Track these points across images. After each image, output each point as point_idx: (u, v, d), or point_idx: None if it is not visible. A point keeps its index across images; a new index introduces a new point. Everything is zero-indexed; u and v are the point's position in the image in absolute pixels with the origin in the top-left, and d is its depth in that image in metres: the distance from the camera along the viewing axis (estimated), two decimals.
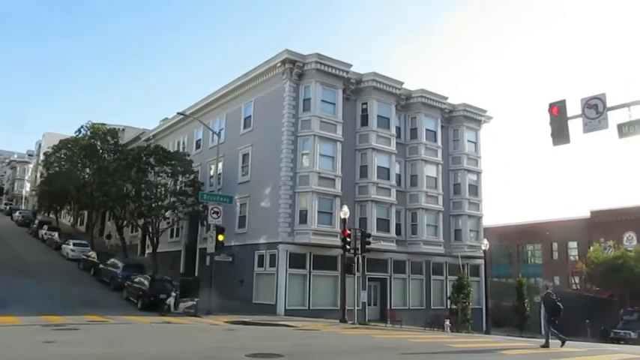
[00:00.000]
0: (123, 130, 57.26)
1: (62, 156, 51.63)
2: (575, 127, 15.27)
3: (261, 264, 32.50)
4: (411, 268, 36.99)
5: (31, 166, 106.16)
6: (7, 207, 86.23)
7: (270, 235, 31.85)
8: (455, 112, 40.29)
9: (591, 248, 51.00)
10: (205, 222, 32.56)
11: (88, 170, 49.80)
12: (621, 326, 38.92)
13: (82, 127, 51.71)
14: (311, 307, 30.89)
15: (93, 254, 40.14)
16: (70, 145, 51.04)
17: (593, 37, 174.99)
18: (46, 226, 55.78)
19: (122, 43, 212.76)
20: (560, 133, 15.43)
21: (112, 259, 36.48)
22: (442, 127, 39.50)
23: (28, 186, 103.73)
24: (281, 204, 31.60)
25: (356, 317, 26.56)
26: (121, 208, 40.65)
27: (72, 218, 68.14)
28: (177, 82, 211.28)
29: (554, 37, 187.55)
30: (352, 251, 26.38)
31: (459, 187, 39.86)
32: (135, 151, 40.42)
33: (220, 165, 36.81)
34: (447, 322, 30.79)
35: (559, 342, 17.76)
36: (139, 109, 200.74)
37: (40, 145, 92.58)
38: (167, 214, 37.48)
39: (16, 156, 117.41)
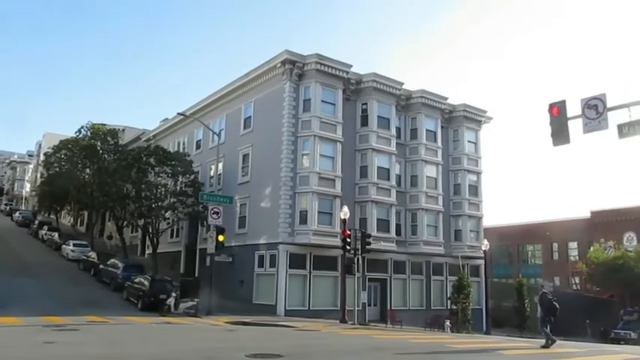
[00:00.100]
0: (123, 130, 57.27)
1: (62, 156, 51.66)
2: (575, 127, 15.29)
3: (261, 264, 32.50)
4: (411, 268, 36.99)
5: (31, 166, 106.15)
6: (7, 207, 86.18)
7: (270, 236, 31.85)
8: (455, 112, 40.30)
9: (591, 248, 50.97)
10: (205, 222, 32.58)
11: (88, 171, 49.83)
12: (621, 326, 38.90)
13: (82, 127, 51.81)
14: (311, 308, 30.89)
15: (93, 255, 40.16)
16: (70, 146, 51.06)
17: (593, 37, 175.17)
18: (46, 227, 55.80)
19: (122, 44, 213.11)
20: (560, 133, 15.43)
21: (112, 260, 36.50)
22: (442, 127, 39.52)
23: (28, 186, 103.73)
24: (281, 204, 31.61)
25: (356, 318, 26.55)
26: (121, 209, 40.66)
27: (72, 219, 68.15)
28: (177, 83, 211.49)
29: (554, 37, 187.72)
30: (352, 252, 26.37)
31: (459, 187, 39.86)
32: (135, 152, 40.44)
33: (220, 165, 36.83)
34: (447, 323, 30.78)
35: (547, 341, 17.77)
36: (139, 110, 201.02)
37: (40, 146, 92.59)
38: (167, 214, 37.50)
39: (16, 156, 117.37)
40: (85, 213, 62.51)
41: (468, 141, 40.68)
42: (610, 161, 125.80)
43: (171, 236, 42.33)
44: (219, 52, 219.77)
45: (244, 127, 36.77)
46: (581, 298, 50.46)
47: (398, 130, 37.13)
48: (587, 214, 58.24)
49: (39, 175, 74.29)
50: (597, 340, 35.85)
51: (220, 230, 27.63)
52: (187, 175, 38.20)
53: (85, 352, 12.68)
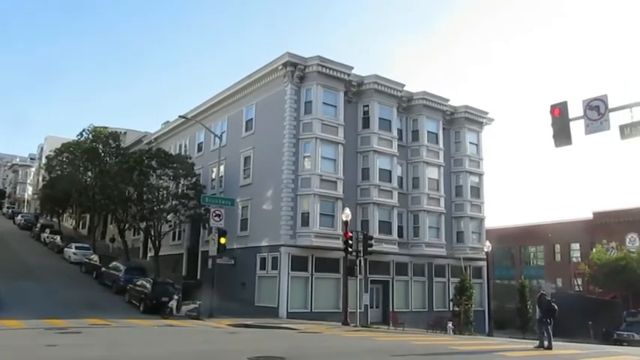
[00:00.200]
0: (124, 133, 57.35)
1: (64, 159, 51.71)
2: (577, 128, 15.27)
3: (263, 267, 32.49)
4: (414, 270, 36.93)
5: (33, 169, 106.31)
6: (10, 210, 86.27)
7: (272, 238, 31.84)
8: (456, 114, 40.28)
9: (594, 250, 50.79)
10: (207, 225, 32.63)
11: (90, 173, 49.89)
12: (624, 328, 38.73)
13: (83, 130, 51.85)
14: (313, 310, 30.87)
15: (95, 257, 40.17)
16: (72, 149, 51.12)
17: (593, 38, 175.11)
18: (48, 230, 55.86)
19: (123, 46, 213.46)
20: (562, 134, 15.41)
21: (114, 262, 36.51)
22: (444, 129, 39.50)
23: (30, 189, 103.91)
24: (283, 206, 31.60)
25: (358, 320, 26.54)
26: (123, 212, 40.67)
27: (74, 222, 68.22)
28: (178, 85, 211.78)
29: (554, 37, 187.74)
30: (354, 254, 26.37)
31: (461, 189, 39.81)
32: (137, 155, 40.46)
33: (222, 168, 36.86)
34: (450, 325, 30.71)
35: (537, 342, 17.78)
36: (141, 113, 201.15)
37: (42, 149, 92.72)
38: (169, 217, 37.50)
39: (18, 159, 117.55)
40: (87, 216, 62.55)
41: (470, 142, 40.65)
42: (612, 162, 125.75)
43: (173, 239, 42.33)
44: (220, 55, 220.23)
45: (246, 130, 36.79)
46: (584, 299, 50.31)
47: (399, 131, 37.13)
48: (589, 216, 58.08)
49: (41, 178, 74.38)
50: (599, 342, 35.76)
51: (222, 233, 27.67)
52: (189, 178, 38.20)
53: (87, 354, 12.68)
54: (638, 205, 53.55)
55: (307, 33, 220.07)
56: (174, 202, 37.00)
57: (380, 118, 35.24)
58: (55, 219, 64.69)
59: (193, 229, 40.62)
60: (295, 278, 31.18)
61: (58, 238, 51.10)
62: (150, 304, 27.76)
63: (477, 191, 40.45)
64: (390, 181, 35.03)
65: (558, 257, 61.99)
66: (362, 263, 27.00)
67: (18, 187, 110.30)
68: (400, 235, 35.66)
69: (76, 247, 44.98)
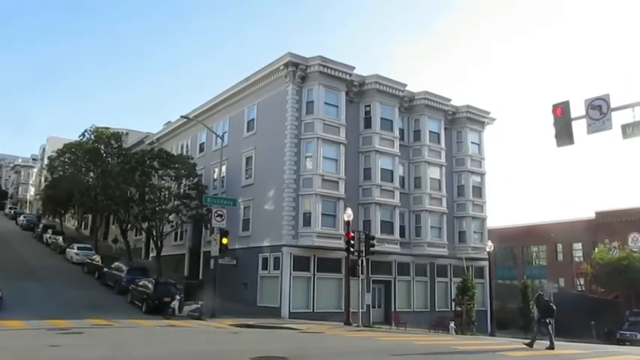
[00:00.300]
0: (126, 133, 57.38)
1: (66, 160, 51.81)
2: (579, 128, 15.24)
3: (265, 267, 32.49)
4: (416, 270, 36.91)
5: (35, 170, 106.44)
6: (12, 211, 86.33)
7: (274, 238, 31.84)
8: (458, 113, 40.24)
9: (596, 249, 50.70)
10: (209, 225, 32.62)
11: (92, 174, 49.95)
12: (627, 327, 38.68)
13: (85, 131, 52.01)
14: (315, 310, 30.87)
15: (97, 258, 40.21)
16: (74, 149, 51.22)
17: (594, 38, 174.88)
18: (50, 230, 55.92)
19: (124, 46, 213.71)
20: (564, 134, 15.37)
21: (117, 263, 36.55)
22: (445, 128, 39.47)
23: (32, 190, 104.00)
24: (284, 207, 31.60)
25: (360, 320, 26.51)
26: (125, 212, 40.72)
27: (76, 222, 68.29)
28: (179, 86, 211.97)
29: (554, 37, 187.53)
30: (356, 254, 26.35)
31: (463, 188, 39.77)
32: (138, 155, 40.49)
33: (224, 168, 36.85)
34: (452, 325, 30.69)
35: (529, 340, 17.78)
36: (143, 113, 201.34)
37: (44, 150, 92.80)
38: (171, 217, 37.53)
39: (20, 160, 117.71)
40: (89, 216, 62.64)
41: (472, 142, 40.59)
42: (614, 162, 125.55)
43: (175, 239, 42.37)
44: (220, 55, 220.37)
45: (247, 130, 36.80)
46: (586, 299, 50.26)
47: (401, 131, 37.11)
48: (591, 215, 58.01)
49: (43, 179, 74.54)
50: (602, 342, 35.71)
51: (224, 233, 27.68)
52: (191, 178, 38.23)
53: (90, 355, 12.70)
54: None
55: (307, 33, 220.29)
56: (176, 203, 37.02)
57: (382, 118, 35.21)
58: (57, 219, 64.76)
59: (195, 230, 40.64)
60: (297, 278, 31.18)
61: (60, 238, 51.15)
62: (152, 304, 27.78)
63: (478, 191, 40.40)
64: (392, 181, 35.01)
65: (561, 257, 61.93)
66: (364, 263, 26.97)
67: (20, 188, 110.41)
68: (402, 235, 35.62)
69: (78, 248, 45.03)
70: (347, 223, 27.30)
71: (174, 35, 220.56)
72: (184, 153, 43.33)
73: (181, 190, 37.80)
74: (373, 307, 32.83)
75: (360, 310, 26.89)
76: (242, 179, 36.40)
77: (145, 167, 37.36)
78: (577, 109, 15.25)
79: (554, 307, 18.06)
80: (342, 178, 32.69)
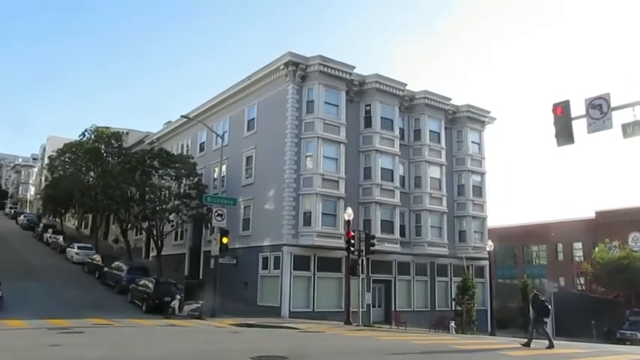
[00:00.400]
0: (127, 133, 57.39)
1: (66, 160, 51.83)
2: (579, 127, 15.23)
3: (265, 266, 32.50)
4: (416, 269, 36.91)
5: (35, 169, 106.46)
6: (12, 211, 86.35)
7: (274, 238, 31.84)
8: (458, 113, 40.23)
9: (596, 249, 50.71)
10: (209, 225, 32.62)
11: (92, 174, 49.97)
12: (627, 327, 38.71)
13: (86, 130, 52.03)
14: (315, 309, 30.87)
15: (97, 257, 40.24)
16: (74, 149, 51.24)
17: (594, 38, 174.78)
18: (50, 230, 55.94)
19: (124, 46, 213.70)
20: (564, 133, 15.36)
21: (117, 262, 36.57)
22: (446, 128, 39.46)
23: (32, 190, 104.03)
24: (285, 206, 31.60)
25: (360, 319, 26.49)
26: (126, 212, 40.73)
27: (76, 222, 68.30)
28: (179, 86, 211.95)
29: (554, 37, 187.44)
30: (356, 253, 26.33)
31: (463, 188, 39.76)
32: (139, 155, 40.49)
33: (224, 168, 36.87)
34: (452, 324, 30.68)
35: (526, 340, 17.78)
36: (141, 113, 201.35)
37: (44, 149, 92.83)
38: (171, 217, 37.53)
39: (20, 160, 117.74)
40: (90, 216, 62.64)
41: (472, 142, 40.57)
42: (615, 161, 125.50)
43: (176, 239, 42.38)
44: (220, 55, 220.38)
45: (248, 129, 36.80)
46: (586, 298, 50.25)
47: (401, 131, 37.10)
48: (591, 215, 58.01)
49: (43, 179, 74.54)
50: (602, 341, 35.69)
51: (224, 232, 27.68)
52: (191, 178, 38.23)
53: (90, 354, 12.70)
54: None
55: (307, 33, 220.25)
56: (176, 202, 37.03)
57: (382, 118, 35.20)
58: (57, 219, 64.78)
59: (195, 229, 40.65)
60: (297, 278, 31.18)
61: (60, 238, 51.17)
62: (152, 303, 27.79)
63: (479, 190, 40.40)
64: (392, 180, 35.00)
65: (561, 256, 61.92)
66: (364, 262, 26.93)
67: (20, 188, 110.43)
68: (402, 234, 35.62)
69: (79, 247, 45.05)
70: (347, 222, 27.28)
71: (174, 35, 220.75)
72: (184, 152, 43.34)
73: (182, 190, 37.81)
74: (373, 306, 32.82)
75: (361, 310, 26.86)
76: (242, 179, 36.40)
77: (145, 167, 37.36)
78: (577, 109, 15.26)
79: (550, 306, 18.09)
80: (343, 177, 32.69)
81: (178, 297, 27.37)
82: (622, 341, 35.38)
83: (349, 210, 27.71)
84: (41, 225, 60.70)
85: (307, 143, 32.45)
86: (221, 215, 28.23)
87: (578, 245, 60.29)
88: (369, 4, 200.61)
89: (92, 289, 34.08)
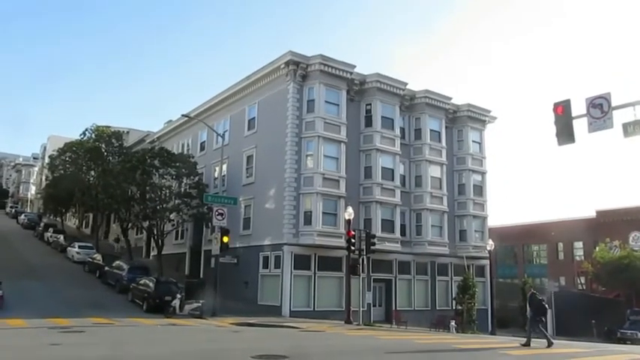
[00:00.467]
0: (127, 132, 57.40)
1: (67, 159, 51.85)
2: (580, 126, 15.23)
3: (265, 265, 32.50)
4: (416, 268, 36.91)
5: (36, 169, 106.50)
6: (13, 210, 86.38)
7: (275, 237, 31.84)
8: (459, 112, 40.22)
9: (597, 248, 50.73)
10: (210, 224, 32.62)
11: (92, 173, 50.00)
12: (628, 326, 38.72)
13: (86, 129, 52.11)
14: (316, 309, 30.87)
15: (98, 257, 40.26)
16: (74, 148, 51.26)
17: (594, 38, 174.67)
18: (51, 229, 55.94)
19: (124, 45, 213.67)
20: (565, 132, 15.35)
21: (117, 262, 36.59)
22: (446, 127, 39.44)
23: (33, 189, 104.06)
24: (285, 205, 31.60)
25: (361, 318, 26.50)
26: (126, 211, 40.73)
27: (77, 221, 68.31)
28: (179, 86, 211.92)
29: (554, 37, 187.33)
30: (357, 252, 26.33)
31: (464, 187, 39.75)
32: (139, 154, 40.49)
33: (225, 167, 36.86)
34: (453, 323, 30.70)
35: (526, 340, 17.78)
36: (143, 112, 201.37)
37: (45, 148, 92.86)
38: (172, 216, 37.54)
39: (21, 159, 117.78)
40: (90, 215, 62.69)
41: (473, 141, 40.55)
42: (615, 160, 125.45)
43: (176, 238, 42.39)
44: (221, 54, 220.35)
45: (248, 129, 36.80)
46: (587, 298, 50.25)
47: (402, 130, 37.08)
48: (592, 214, 58.00)
49: (44, 178, 74.57)
50: (602, 340, 35.68)
51: (225, 231, 27.67)
52: (192, 177, 38.23)
53: (91, 353, 12.70)
54: None
55: (307, 33, 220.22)
56: (176, 201, 37.03)
57: (382, 117, 35.19)
58: (58, 218, 64.81)
59: (196, 228, 40.66)
60: (298, 277, 31.18)
61: (61, 237, 51.19)
62: (153, 303, 27.79)
63: (479, 190, 40.38)
64: (393, 179, 34.99)
65: (561, 256, 61.89)
66: (364, 262, 26.95)
67: (21, 187, 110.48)
68: (403, 233, 35.61)
69: (79, 247, 45.07)
70: (348, 221, 27.27)
71: (175, 35, 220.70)
72: (185, 152, 43.33)
73: (182, 189, 37.81)
74: (374, 305, 32.82)
75: (361, 309, 26.89)
76: (243, 178, 36.41)
77: (145, 166, 37.36)
78: (578, 108, 15.25)
79: (547, 305, 18.13)
80: (343, 176, 32.69)
81: (179, 296, 27.38)
82: (622, 341, 35.39)
83: (350, 209, 27.70)
84: (42, 224, 60.74)
85: (308, 142, 32.45)
86: (222, 214, 28.22)
87: (578, 245, 60.27)
88: (369, 4, 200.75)
89: (93, 288, 34.10)
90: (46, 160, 70.38)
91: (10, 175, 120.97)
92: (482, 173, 40.92)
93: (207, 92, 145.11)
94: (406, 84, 36.32)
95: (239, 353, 12.92)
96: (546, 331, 18.18)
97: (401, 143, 36.17)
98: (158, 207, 37.04)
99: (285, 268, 30.88)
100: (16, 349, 13.14)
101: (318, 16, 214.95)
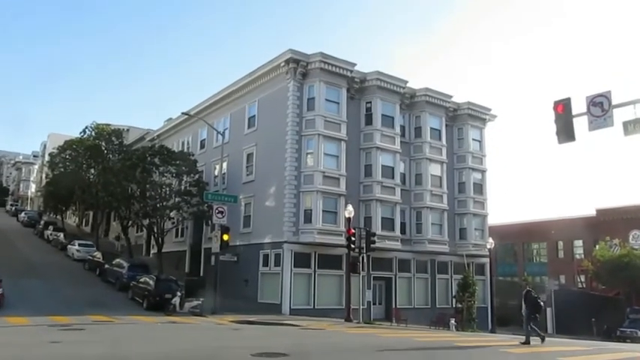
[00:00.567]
0: (127, 130, 57.38)
1: (67, 157, 51.80)
2: (580, 125, 15.21)
3: (266, 263, 32.51)
4: (416, 267, 36.93)
5: (36, 167, 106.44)
6: (13, 208, 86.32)
7: (275, 235, 31.85)
8: (459, 110, 40.20)
9: (597, 247, 50.74)
10: (210, 222, 32.62)
11: (92, 171, 49.98)
12: (627, 325, 38.75)
13: (86, 127, 52.05)
14: (316, 307, 30.89)
15: (98, 255, 40.26)
16: (74, 146, 51.23)
17: (593, 37, 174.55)
18: (51, 227, 55.95)
19: (124, 43, 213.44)
20: (565, 131, 15.34)
21: (118, 260, 36.58)
22: (446, 125, 39.41)
23: (33, 187, 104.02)
24: (285, 203, 31.60)
25: (361, 316, 26.52)
26: (126, 209, 40.73)
27: (77, 219, 68.34)
28: (179, 85, 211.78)
29: (554, 36, 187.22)
30: (357, 250, 26.35)
31: (464, 185, 39.75)
32: (139, 152, 40.49)
33: (225, 165, 36.85)
34: (453, 321, 30.71)
35: (525, 338, 17.79)
36: (143, 110, 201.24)
37: (45, 146, 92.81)
38: (172, 214, 37.55)
39: (21, 157, 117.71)
40: (90, 213, 62.69)
41: (473, 139, 40.53)
42: (616, 159, 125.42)
43: (176, 236, 42.40)
44: (222, 52, 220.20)
45: (248, 127, 36.78)
46: (587, 296, 50.28)
47: (402, 128, 37.06)
48: (592, 212, 57.97)
49: (44, 176, 74.52)
50: (602, 339, 35.70)
51: (225, 229, 27.67)
52: (192, 175, 38.24)
53: (91, 351, 12.71)
54: None
55: (307, 33, 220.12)
56: (177, 199, 37.04)
57: (383, 115, 35.16)
58: (58, 216, 64.79)
59: (196, 226, 40.67)
60: (298, 275, 31.20)
61: (61, 235, 51.16)
62: (153, 300, 27.79)
63: (479, 188, 40.38)
64: (393, 177, 34.98)
65: (561, 254, 61.89)
66: (365, 260, 26.98)
67: (21, 185, 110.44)
68: (403, 231, 35.61)
69: (80, 245, 45.05)
70: (348, 219, 27.27)
71: (175, 34, 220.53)
72: (185, 150, 43.28)
73: (182, 187, 37.82)
74: (374, 303, 32.81)
75: (361, 307, 26.90)
76: (243, 176, 36.40)
77: (145, 164, 37.36)
78: (578, 107, 15.24)
79: (542, 303, 18.18)
80: (343, 174, 32.68)
81: (179, 294, 27.37)
82: (622, 339, 35.42)
83: (350, 207, 27.70)
84: (42, 222, 60.75)
85: (308, 140, 32.44)
86: (222, 212, 28.23)
87: (578, 243, 60.27)
88: (369, 5, 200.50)
89: (93, 286, 34.11)
90: (46, 157, 70.33)
91: (11, 173, 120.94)
92: (483, 171, 40.91)
93: (208, 90, 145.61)
94: (406, 82, 36.29)
95: (239, 351, 12.93)
96: (538, 329, 18.18)
97: (401, 141, 36.16)
98: (158, 205, 37.04)
99: (285, 266, 30.90)
100: (17, 347, 13.14)
101: (317, 16, 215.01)
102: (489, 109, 41.59)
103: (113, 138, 50.91)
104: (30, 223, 65.49)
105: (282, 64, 33.08)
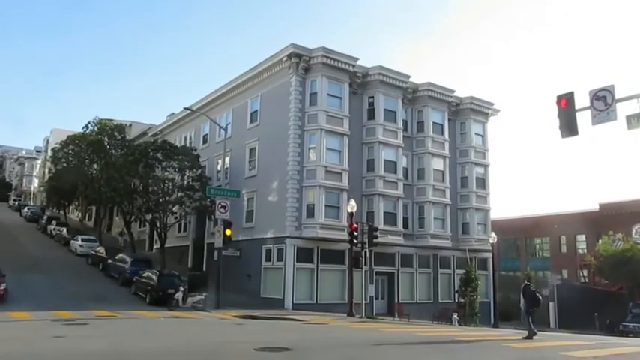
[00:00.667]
0: (130, 125, 57.40)
1: (70, 152, 51.86)
2: (583, 119, 15.16)
3: (268, 258, 32.55)
4: (419, 261, 36.94)
5: (39, 162, 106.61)
6: (16, 203, 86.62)
7: (278, 230, 31.87)
8: (462, 105, 40.09)
9: (600, 241, 50.70)
10: (213, 217, 32.66)
11: (95, 166, 50.03)
12: (630, 319, 38.69)
13: (89, 123, 52.04)
14: (319, 301, 30.94)
15: (101, 249, 40.38)
16: (77, 141, 51.27)
17: (594, 37, 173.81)
18: (54, 222, 56.16)
19: (127, 39, 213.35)
20: (568, 125, 15.27)
21: (121, 254, 36.69)
22: (449, 120, 39.33)
23: (36, 182, 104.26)
24: (288, 198, 31.60)
25: (364, 311, 26.56)
26: (129, 204, 40.77)
27: (80, 214, 68.47)
28: (183, 77, 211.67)
29: (556, 32, 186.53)
30: (360, 245, 26.34)
31: (467, 180, 39.71)
32: (142, 147, 40.47)
33: (227, 160, 36.75)
34: (455, 316, 30.75)
35: (527, 332, 17.77)
36: (146, 105, 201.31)
37: (47, 142, 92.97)
38: (175, 209, 37.56)
39: (24, 152, 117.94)
40: (93, 208, 62.79)
41: (475, 134, 40.46)
42: (619, 153, 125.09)
43: (179, 231, 42.44)
44: (224, 47, 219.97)
45: (251, 121, 36.76)
46: (589, 290, 50.28)
47: (405, 123, 36.99)
48: (595, 207, 57.90)
49: (47, 171, 74.66)
50: (604, 333, 35.69)
51: (228, 224, 27.68)
52: (194, 170, 38.23)
53: (94, 346, 12.74)
54: None
55: (307, 33, 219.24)
56: (179, 194, 37.05)
57: (385, 110, 35.11)
58: (61, 211, 64.97)
59: (199, 221, 40.70)
60: (301, 270, 31.23)
61: (64, 230, 51.35)
62: (156, 295, 27.89)
63: (482, 182, 40.33)
64: (396, 172, 34.96)
65: (564, 249, 61.84)
66: (367, 255, 27.00)
67: (24, 180, 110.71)
68: (405, 226, 35.62)
69: (83, 240, 45.20)
70: (350, 214, 27.26)
71: (176, 30, 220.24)
72: (188, 145, 43.28)
73: (185, 182, 37.82)
74: (376, 298, 32.89)
75: (364, 302, 26.95)
76: (245, 171, 36.40)
77: (148, 159, 37.39)
78: (581, 101, 15.18)
79: (540, 297, 18.15)
80: (346, 169, 32.66)
81: (182, 289, 27.48)
82: (624, 333, 35.38)
83: (352, 202, 27.68)
84: (45, 217, 60.94)
85: (310, 135, 32.41)
86: (224, 207, 28.24)
87: (581, 238, 60.22)
88: (369, 5, 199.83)
89: (96, 281, 34.21)
90: (49, 153, 70.36)
91: (14, 169, 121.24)
92: (485, 166, 40.86)
93: (210, 85, 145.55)
94: (409, 76, 36.21)
95: (242, 345, 12.94)
96: (532, 322, 18.18)
97: (403, 136, 36.11)
98: (161, 200, 37.07)
99: (287, 260, 30.93)
100: (20, 341, 13.18)
101: (318, 14, 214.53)
102: (492, 104, 41.49)
103: (116, 133, 50.92)
104: (33, 218, 65.71)
105: (285, 59, 33.02)
